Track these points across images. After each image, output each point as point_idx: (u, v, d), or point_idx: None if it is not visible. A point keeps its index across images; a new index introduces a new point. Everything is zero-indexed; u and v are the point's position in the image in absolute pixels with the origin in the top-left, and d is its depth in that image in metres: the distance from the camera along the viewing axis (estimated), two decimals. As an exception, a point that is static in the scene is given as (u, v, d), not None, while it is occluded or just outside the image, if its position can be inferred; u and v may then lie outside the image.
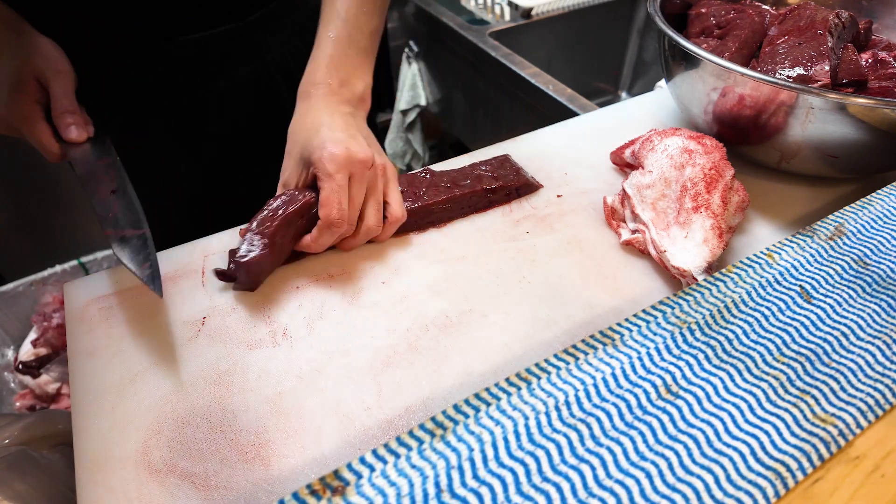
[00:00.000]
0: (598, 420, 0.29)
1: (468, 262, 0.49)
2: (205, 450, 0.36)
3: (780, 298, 0.36)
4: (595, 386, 0.30)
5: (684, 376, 0.31)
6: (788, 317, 0.35)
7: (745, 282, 0.37)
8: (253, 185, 0.72)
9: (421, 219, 0.52)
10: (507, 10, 1.26)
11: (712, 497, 0.26)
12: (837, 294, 0.37)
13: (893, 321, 0.35)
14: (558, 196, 0.55)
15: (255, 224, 0.45)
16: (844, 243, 0.40)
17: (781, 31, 0.55)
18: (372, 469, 0.26)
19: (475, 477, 0.26)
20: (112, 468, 0.35)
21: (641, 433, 0.28)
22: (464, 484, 0.26)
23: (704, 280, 0.37)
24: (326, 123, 0.47)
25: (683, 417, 0.29)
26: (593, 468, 0.27)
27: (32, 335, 1.10)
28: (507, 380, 0.30)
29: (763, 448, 0.28)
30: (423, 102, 1.48)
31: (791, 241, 0.40)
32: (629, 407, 0.29)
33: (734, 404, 0.30)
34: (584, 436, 0.28)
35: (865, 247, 0.40)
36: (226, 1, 0.57)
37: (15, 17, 0.50)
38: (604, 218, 0.53)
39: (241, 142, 0.67)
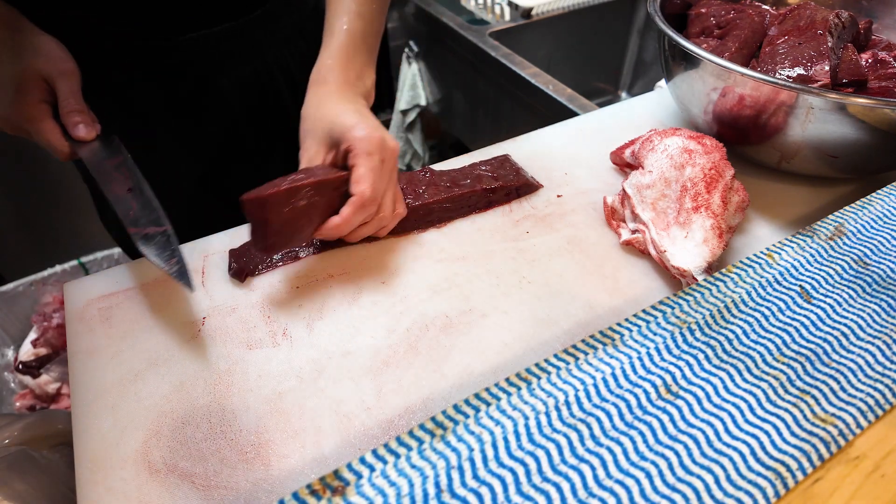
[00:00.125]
0: (598, 420, 0.29)
1: (468, 262, 0.49)
2: (205, 450, 0.36)
3: (780, 298, 0.36)
4: (595, 386, 0.30)
5: (684, 376, 0.31)
6: (788, 317, 0.35)
7: (745, 282, 0.37)
8: (253, 184, 0.72)
9: (421, 218, 0.52)
10: (507, 10, 1.26)
11: (712, 497, 0.26)
12: (837, 294, 0.37)
13: (893, 321, 0.35)
14: (558, 196, 0.55)
15: (290, 176, 0.44)
16: (844, 243, 0.40)
17: (781, 31, 0.55)
18: (372, 469, 0.26)
19: (475, 477, 0.26)
20: (112, 468, 0.35)
21: (641, 433, 0.28)
22: (464, 484, 0.26)
23: (704, 280, 0.37)
24: (351, 110, 0.47)
25: (683, 417, 0.29)
26: (593, 468, 0.27)
27: (32, 335, 1.11)
28: (507, 380, 0.30)
29: (763, 448, 0.28)
30: (423, 102, 1.48)
31: (791, 241, 0.40)
32: (629, 407, 0.29)
33: (734, 404, 0.30)
34: (584, 436, 0.28)
35: (865, 247, 0.40)
36: (225, 0, 0.57)
37: (17, 16, 0.50)
38: (604, 218, 0.53)
39: (241, 141, 0.67)
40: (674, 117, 0.67)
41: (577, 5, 1.28)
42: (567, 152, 0.61)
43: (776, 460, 0.28)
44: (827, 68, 0.49)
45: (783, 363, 0.32)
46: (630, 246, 0.49)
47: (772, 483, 0.27)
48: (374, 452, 0.27)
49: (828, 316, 0.35)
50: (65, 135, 0.49)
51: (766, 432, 0.29)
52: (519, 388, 0.30)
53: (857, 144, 0.48)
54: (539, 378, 0.30)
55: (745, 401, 0.30)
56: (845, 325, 0.35)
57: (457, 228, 0.52)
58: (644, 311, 0.35)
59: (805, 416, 0.30)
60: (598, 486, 0.26)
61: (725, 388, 0.31)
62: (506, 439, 0.28)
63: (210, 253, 0.50)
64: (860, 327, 0.34)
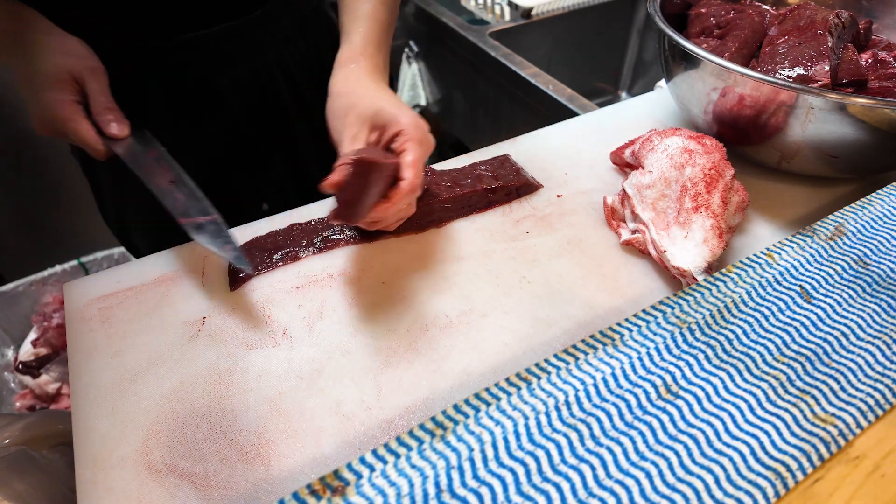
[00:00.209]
0: (598, 420, 0.29)
1: (468, 262, 0.49)
2: (205, 450, 0.36)
3: (780, 298, 0.36)
4: (595, 386, 0.30)
5: (684, 376, 0.31)
6: (788, 317, 0.35)
7: (745, 282, 0.37)
8: (253, 184, 0.72)
9: (421, 218, 0.52)
10: (507, 10, 1.26)
11: (712, 497, 0.26)
12: (837, 294, 0.37)
13: (893, 321, 0.35)
14: (558, 196, 0.55)
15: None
16: (844, 243, 0.40)
17: (781, 31, 0.55)
18: (372, 469, 0.26)
19: (475, 477, 0.26)
20: (112, 468, 0.35)
21: (641, 433, 0.28)
22: (464, 484, 0.26)
23: (704, 280, 0.37)
24: (392, 95, 0.47)
25: (683, 417, 0.29)
26: (593, 468, 0.27)
27: (32, 335, 1.11)
28: (507, 380, 0.30)
29: (763, 448, 0.28)
30: (423, 102, 1.48)
31: (791, 241, 0.40)
32: (629, 407, 0.29)
33: (734, 404, 0.30)
34: (584, 436, 0.28)
35: (865, 247, 0.40)
36: (225, 0, 0.57)
37: (42, 18, 0.50)
38: (604, 218, 0.53)
39: (241, 141, 0.67)
40: (674, 117, 0.67)
41: (577, 5, 1.28)
42: (567, 152, 0.61)
43: (776, 460, 0.28)
44: (827, 68, 0.49)
45: (783, 363, 0.32)
46: (630, 246, 0.49)
47: (772, 483, 0.27)
48: (374, 452, 0.27)
49: (828, 316, 0.35)
50: (98, 132, 0.50)
51: (766, 432, 0.29)
52: (519, 388, 0.30)
53: (857, 144, 0.48)
54: (539, 378, 0.30)
55: (745, 401, 0.30)
56: (845, 325, 0.35)
57: (457, 228, 0.52)
58: (644, 311, 0.35)
59: (805, 416, 0.30)
60: (598, 486, 0.26)
61: (725, 388, 0.31)
62: (506, 439, 0.28)
63: (210, 253, 0.50)
64: (860, 327, 0.34)
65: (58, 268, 1.16)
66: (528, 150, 0.61)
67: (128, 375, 0.41)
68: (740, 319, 0.34)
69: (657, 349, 0.32)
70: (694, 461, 0.27)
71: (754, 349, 0.33)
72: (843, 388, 0.31)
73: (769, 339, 0.33)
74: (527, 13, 1.24)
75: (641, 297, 0.46)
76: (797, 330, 0.34)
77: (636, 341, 0.33)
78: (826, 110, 0.46)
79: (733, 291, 0.36)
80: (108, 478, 0.35)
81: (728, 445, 0.28)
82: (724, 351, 0.33)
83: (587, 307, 0.45)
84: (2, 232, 1.26)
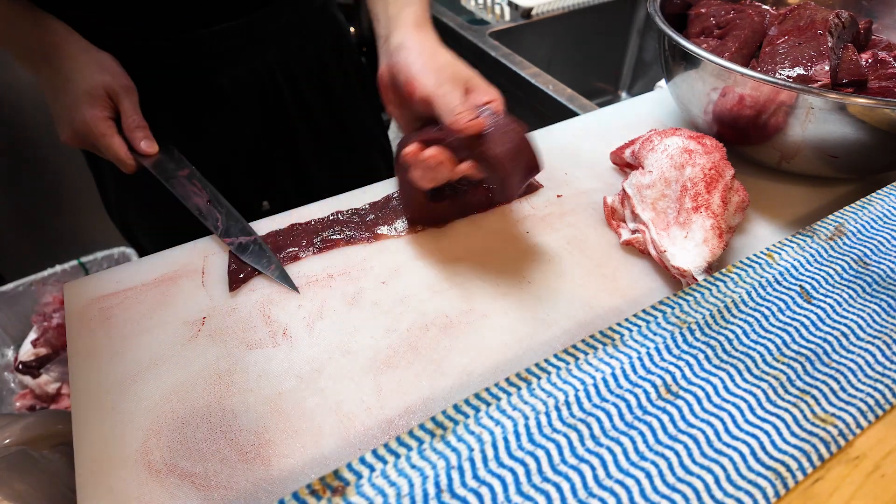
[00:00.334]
0: (598, 420, 0.29)
1: (468, 262, 0.49)
2: (205, 450, 0.36)
3: (780, 298, 0.36)
4: (595, 386, 0.30)
5: (684, 376, 0.31)
6: (788, 317, 0.35)
7: (745, 282, 0.37)
8: (254, 184, 0.72)
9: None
10: (507, 10, 1.26)
11: (712, 497, 0.26)
12: (837, 294, 0.37)
13: (893, 321, 0.35)
14: (558, 196, 0.55)
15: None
16: (844, 243, 0.40)
17: (781, 31, 0.55)
18: (372, 469, 0.26)
19: (475, 477, 0.26)
20: (112, 468, 0.35)
21: (641, 433, 0.28)
22: (464, 484, 0.26)
23: (704, 280, 0.37)
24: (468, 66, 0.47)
25: (683, 417, 0.29)
26: (593, 468, 0.27)
27: (32, 335, 1.11)
28: (507, 380, 0.30)
29: (763, 448, 0.28)
30: (423, 102, 1.48)
31: (791, 241, 0.40)
32: (629, 407, 0.29)
33: (734, 404, 0.30)
34: (584, 436, 0.28)
35: (865, 247, 0.40)
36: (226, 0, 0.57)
37: (74, 32, 0.51)
38: (604, 218, 0.53)
39: (242, 140, 0.67)
40: (674, 117, 0.67)
41: (577, 5, 1.28)
42: (567, 152, 0.61)
43: (776, 460, 0.28)
44: (827, 68, 0.49)
45: (783, 363, 0.32)
46: (630, 246, 0.49)
47: (772, 483, 0.27)
48: (374, 452, 0.27)
49: (828, 316, 0.35)
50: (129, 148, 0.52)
51: (766, 432, 0.29)
52: (519, 388, 0.30)
53: (857, 144, 0.48)
54: (539, 378, 0.30)
55: (745, 401, 0.30)
56: (845, 325, 0.35)
57: (457, 228, 0.52)
58: (644, 311, 0.35)
59: (805, 416, 0.30)
60: (598, 486, 0.26)
61: (725, 388, 0.31)
62: (506, 439, 0.28)
63: (210, 253, 0.50)
64: (860, 327, 0.34)
65: (58, 268, 1.16)
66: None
67: (128, 375, 0.41)
68: (740, 319, 0.34)
69: (657, 349, 0.32)
70: (694, 461, 0.27)
71: (754, 349, 0.33)
72: (843, 388, 0.31)
73: (769, 339, 0.33)
74: (527, 13, 1.24)
75: (641, 297, 0.46)
76: (797, 330, 0.34)
77: (636, 341, 0.33)
78: (826, 110, 0.46)
79: (733, 291, 0.36)
80: (108, 478, 0.35)
81: (728, 445, 0.28)
82: (724, 351, 0.33)
83: (587, 307, 0.45)
84: (2, 232, 1.26)
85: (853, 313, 0.35)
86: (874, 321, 0.35)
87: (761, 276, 0.37)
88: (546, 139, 0.63)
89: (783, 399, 0.30)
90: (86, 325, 0.44)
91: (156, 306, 0.45)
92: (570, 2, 1.27)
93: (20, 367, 1.05)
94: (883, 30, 0.62)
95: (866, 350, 0.33)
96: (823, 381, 0.31)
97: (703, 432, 0.29)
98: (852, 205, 0.43)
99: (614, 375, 0.31)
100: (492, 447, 0.27)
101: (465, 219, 0.53)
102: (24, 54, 0.51)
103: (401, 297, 0.46)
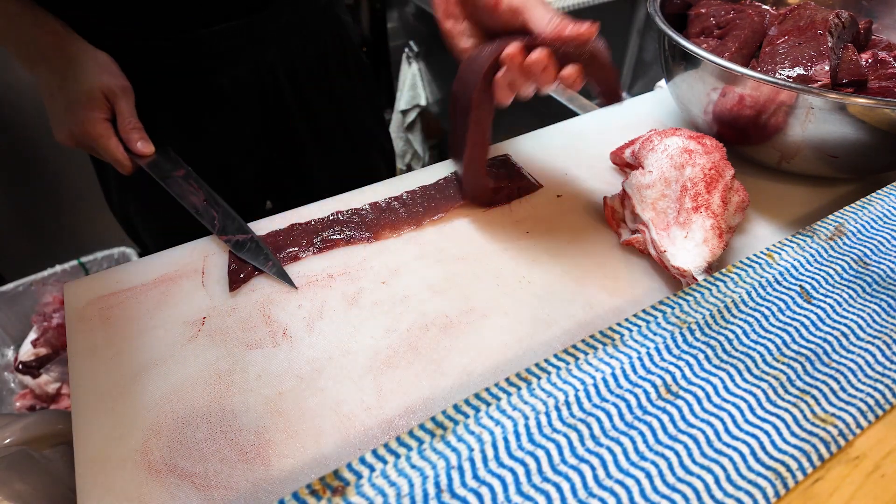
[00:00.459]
0: (598, 420, 0.29)
1: (468, 262, 0.49)
2: (205, 450, 0.36)
3: (780, 298, 0.36)
4: (595, 386, 0.30)
5: (684, 376, 0.31)
6: (788, 317, 0.35)
7: (745, 282, 0.37)
8: (254, 184, 0.72)
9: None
10: (507, 10, 1.26)
11: (712, 497, 0.26)
12: (837, 294, 0.37)
13: (893, 321, 0.35)
14: (558, 196, 0.55)
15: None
16: (844, 243, 0.40)
17: (781, 31, 0.55)
18: (372, 469, 0.26)
19: (475, 477, 0.26)
20: (112, 468, 0.35)
21: (641, 433, 0.28)
22: (464, 484, 0.26)
23: (704, 280, 0.37)
24: None
25: (683, 417, 0.29)
26: (593, 468, 0.27)
27: (32, 335, 1.11)
28: (507, 380, 0.30)
29: (763, 448, 0.28)
30: (423, 102, 1.48)
31: (791, 241, 0.40)
32: (629, 407, 0.29)
33: (734, 404, 0.30)
34: (584, 436, 0.28)
35: (865, 247, 0.40)
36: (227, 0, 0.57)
37: (73, 32, 0.51)
38: (604, 218, 0.53)
39: (242, 140, 0.67)
40: (674, 117, 0.67)
41: (577, 5, 1.28)
42: (567, 152, 0.61)
43: (776, 460, 0.28)
44: (827, 68, 0.49)
45: (783, 363, 0.32)
46: (630, 246, 0.49)
47: (772, 483, 0.27)
48: (374, 452, 0.27)
49: (828, 316, 0.35)
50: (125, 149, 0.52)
51: (766, 432, 0.29)
52: (519, 388, 0.30)
53: (857, 144, 0.48)
54: (539, 378, 0.30)
55: (745, 401, 0.30)
56: (845, 325, 0.35)
57: (457, 228, 0.52)
58: (644, 311, 0.35)
59: (805, 416, 0.30)
60: (598, 486, 0.26)
61: (725, 388, 0.31)
62: (506, 439, 0.28)
63: (210, 253, 0.50)
64: (860, 327, 0.34)
65: (58, 268, 1.16)
66: (528, 150, 0.61)
67: (128, 375, 0.41)
68: (740, 319, 0.34)
69: (657, 349, 0.32)
70: (694, 461, 0.27)
71: (754, 349, 0.33)
72: (843, 388, 0.31)
73: (769, 339, 0.33)
74: (527, 13, 1.24)
75: (641, 297, 0.46)
76: (797, 330, 0.34)
77: (636, 341, 0.33)
78: (826, 110, 0.46)
79: (733, 291, 0.36)
80: (108, 478, 0.35)
81: (728, 445, 0.28)
82: (724, 351, 0.33)
83: (587, 307, 0.45)
84: (2, 232, 1.26)
85: (853, 313, 0.35)
86: (874, 321, 0.35)
87: (761, 276, 0.37)
88: (546, 139, 0.63)
89: (783, 399, 0.30)
90: (86, 325, 0.44)
91: (156, 306, 0.45)
92: (569, 2, 1.27)
93: (20, 367, 1.06)
94: (883, 30, 0.62)
95: (866, 350, 0.33)
96: (823, 381, 0.31)
97: (703, 432, 0.29)
98: (852, 205, 0.43)
99: (614, 375, 0.31)
100: (492, 447, 0.27)
101: (465, 219, 0.53)
102: (21, 52, 0.51)
103: (401, 297, 0.46)
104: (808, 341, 0.34)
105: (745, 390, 0.31)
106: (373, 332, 0.43)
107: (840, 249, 0.40)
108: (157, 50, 0.57)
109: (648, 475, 0.27)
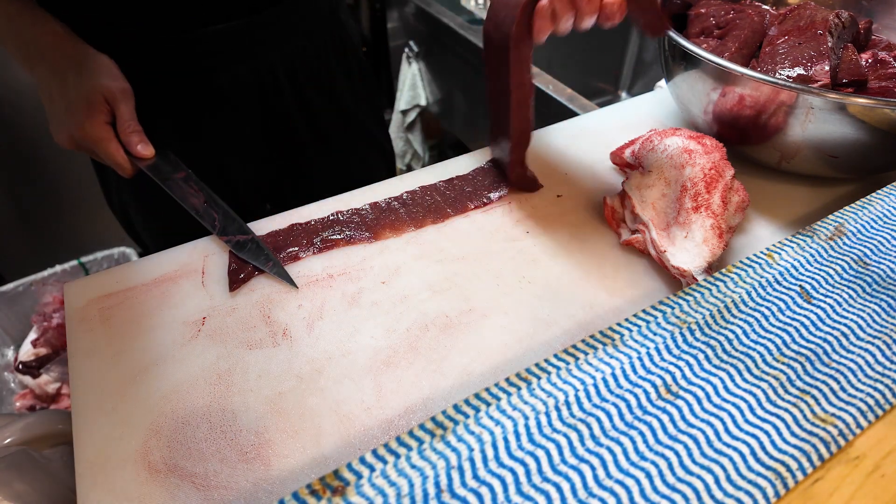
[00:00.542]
0: (598, 420, 0.29)
1: (468, 262, 0.49)
2: (205, 450, 0.36)
3: (780, 298, 0.36)
4: (595, 386, 0.30)
5: (684, 376, 0.31)
6: (788, 317, 0.35)
7: (745, 282, 0.37)
8: (254, 184, 0.72)
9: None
10: (507, 10, 1.26)
11: (712, 497, 0.26)
12: (837, 294, 0.37)
13: (893, 321, 0.35)
14: (558, 196, 0.55)
15: None
16: (844, 243, 0.40)
17: (781, 31, 0.55)
18: (372, 469, 0.26)
19: (475, 477, 0.26)
20: (112, 468, 0.35)
21: (641, 433, 0.28)
22: (464, 484, 0.26)
23: (704, 280, 0.37)
24: None
25: (683, 417, 0.29)
26: (593, 468, 0.27)
27: (32, 335, 1.11)
28: (507, 380, 0.30)
29: (763, 448, 0.28)
30: (423, 102, 1.48)
31: (791, 241, 0.40)
32: (629, 407, 0.29)
33: (734, 404, 0.30)
34: (584, 436, 0.28)
35: (865, 247, 0.40)
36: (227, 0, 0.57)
37: (73, 33, 0.51)
38: (604, 218, 0.53)
39: (242, 140, 0.67)
40: (674, 117, 0.67)
41: (576, 5, 1.28)
42: (567, 152, 0.61)
43: (776, 460, 0.28)
44: (827, 68, 0.49)
45: (783, 363, 0.32)
46: (630, 246, 0.49)
47: (772, 483, 0.27)
48: (374, 452, 0.27)
49: (828, 316, 0.35)
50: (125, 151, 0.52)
51: (766, 432, 0.29)
52: (519, 388, 0.30)
53: (857, 144, 0.48)
54: (539, 378, 0.30)
55: (745, 401, 0.30)
56: (845, 325, 0.35)
57: (457, 228, 0.52)
58: (644, 311, 0.35)
59: (805, 416, 0.30)
60: (598, 486, 0.26)
61: (725, 388, 0.31)
62: (506, 439, 0.28)
63: (210, 253, 0.50)
64: (860, 327, 0.34)
65: (58, 268, 1.16)
66: (528, 149, 0.61)
67: (128, 375, 0.41)
68: (740, 319, 0.34)
69: (657, 349, 0.32)
70: (694, 461, 0.27)
71: (754, 349, 0.33)
72: (843, 388, 0.31)
73: (769, 339, 0.33)
74: (527, 13, 1.24)
75: (641, 297, 0.46)
76: (797, 330, 0.34)
77: (636, 341, 0.33)
78: (826, 110, 0.46)
79: (733, 291, 0.36)
80: (108, 478, 0.35)
81: (728, 445, 0.28)
82: (724, 351, 0.33)
83: (587, 307, 0.45)
84: (2, 232, 1.26)
85: (853, 313, 0.35)
86: (874, 321, 0.35)
87: (761, 276, 0.37)
88: (546, 139, 0.63)
89: (783, 399, 0.30)
90: (86, 325, 0.44)
91: (156, 306, 0.45)
92: (569, 2, 1.27)
93: (20, 367, 1.06)
94: (883, 30, 0.62)
95: (866, 350, 0.33)
96: (823, 381, 0.31)
97: (703, 432, 0.29)
98: (852, 205, 0.43)
99: (614, 375, 0.31)
100: (492, 447, 0.27)
101: (466, 219, 0.53)
102: (21, 53, 0.51)
103: (401, 297, 0.46)
104: (808, 341, 0.34)
105: (745, 390, 0.31)
106: (373, 332, 0.43)
107: (840, 249, 0.40)
108: (157, 50, 0.57)
109: (648, 475, 0.27)
